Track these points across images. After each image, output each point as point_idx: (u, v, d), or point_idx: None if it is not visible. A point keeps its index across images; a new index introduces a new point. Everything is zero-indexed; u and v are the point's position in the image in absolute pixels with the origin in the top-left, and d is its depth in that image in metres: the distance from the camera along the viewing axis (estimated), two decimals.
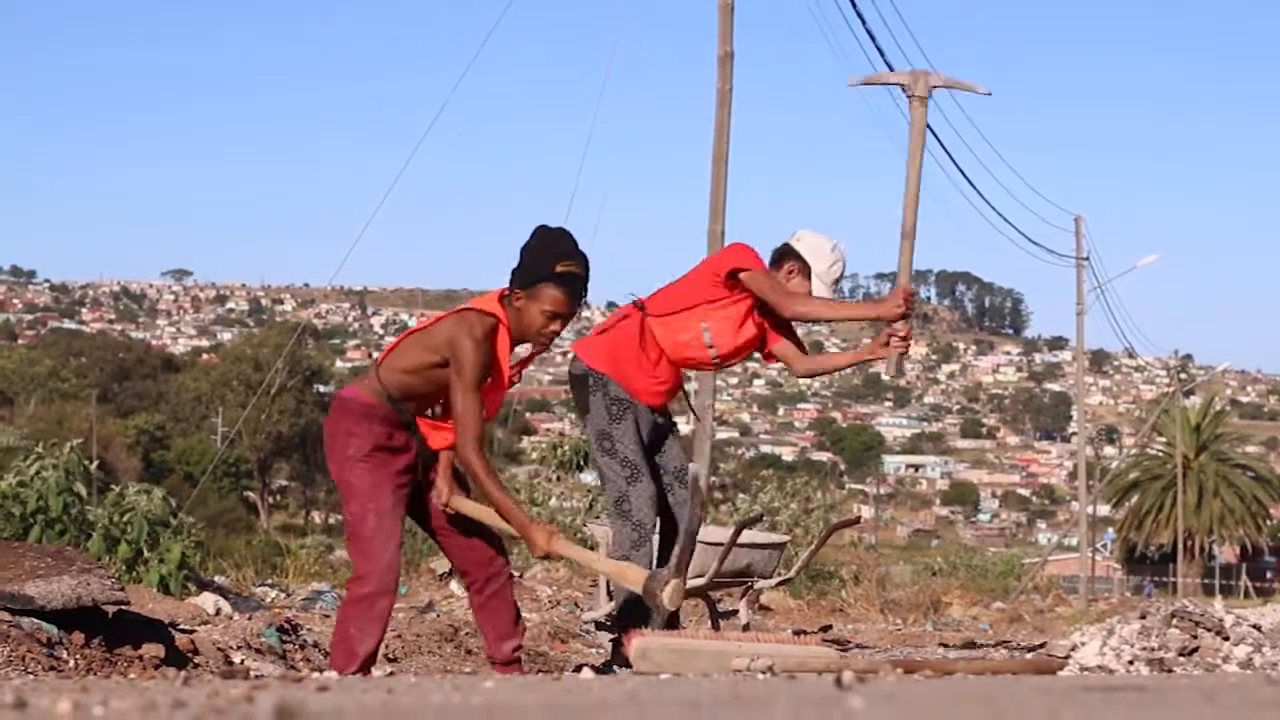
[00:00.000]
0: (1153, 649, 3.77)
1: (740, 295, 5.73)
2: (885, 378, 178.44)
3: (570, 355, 5.89)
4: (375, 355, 4.90)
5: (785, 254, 5.87)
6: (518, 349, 4.92)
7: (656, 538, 5.92)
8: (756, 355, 6.09)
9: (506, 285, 4.79)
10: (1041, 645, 5.01)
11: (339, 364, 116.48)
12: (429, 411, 4.89)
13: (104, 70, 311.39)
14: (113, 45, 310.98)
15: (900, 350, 5.68)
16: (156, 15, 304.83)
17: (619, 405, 5.66)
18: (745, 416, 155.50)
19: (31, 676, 5.05)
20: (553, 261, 4.69)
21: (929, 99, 5.74)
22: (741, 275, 5.64)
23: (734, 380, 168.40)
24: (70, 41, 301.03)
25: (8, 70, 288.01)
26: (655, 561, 5.73)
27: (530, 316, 4.70)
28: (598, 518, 15.16)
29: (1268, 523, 51.07)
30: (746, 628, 8.28)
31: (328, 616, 9.11)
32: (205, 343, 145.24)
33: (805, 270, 5.79)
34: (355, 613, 4.71)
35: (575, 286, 4.72)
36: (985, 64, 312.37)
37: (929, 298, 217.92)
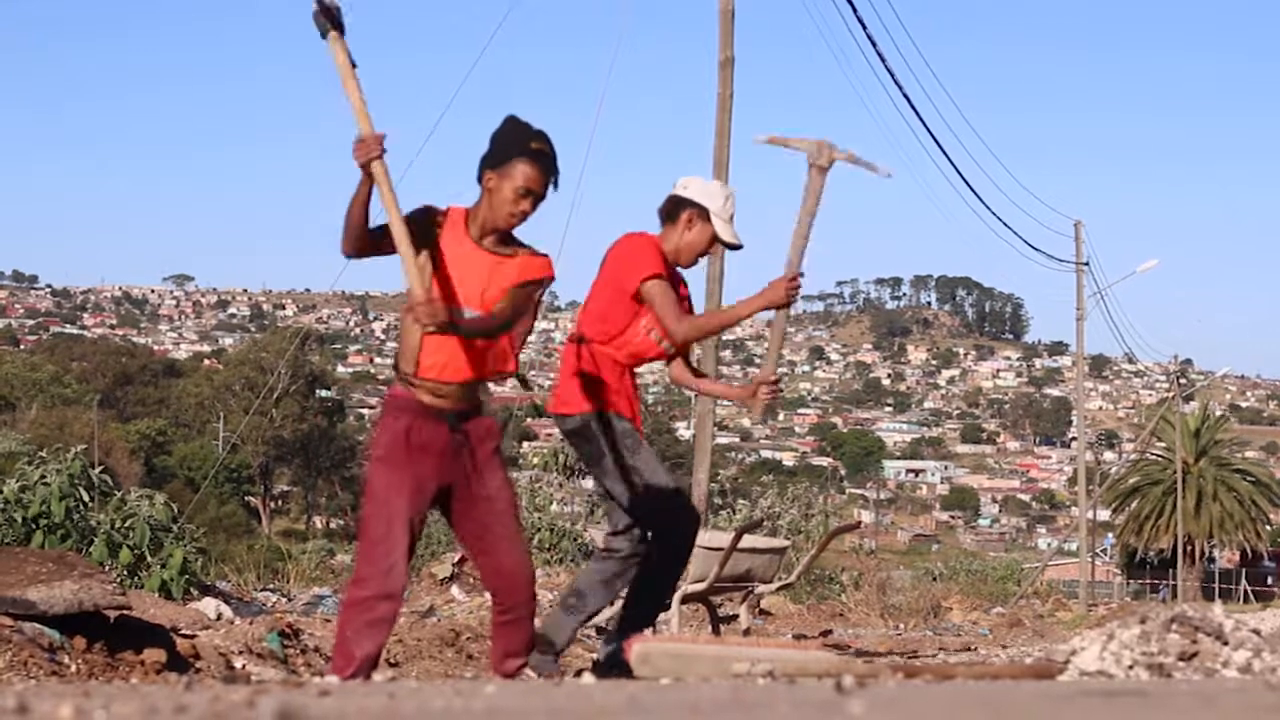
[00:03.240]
0: (1152, 654, 3.78)
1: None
2: (886, 382, 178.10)
3: (554, 417, 5.78)
4: (387, 370, 4.86)
5: (679, 204, 5.76)
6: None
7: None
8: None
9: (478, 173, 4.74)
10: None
11: (340, 369, 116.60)
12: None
13: (105, 74, 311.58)
14: (114, 50, 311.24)
15: (766, 400, 5.59)
16: (158, 19, 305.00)
17: (631, 438, 5.62)
18: (746, 421, 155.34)
19: (33, 681, 5.05)
20: (526, 140, 4.70)
21: (827, 170, 5.68)
22: (642, 289, 5.59)
23: (735, 381, 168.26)
24: (72, 45, 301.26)
25: (9, 74, 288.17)
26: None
27: (502, 194, 4.66)
28: (598, 523, 15.17)
29: (1267, 528, 50.99)
30: (747, 632, 8.29)
31: (329, 621, 9.11)
32: (207, 348, 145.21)
33: (704, 214, 5.74)
34: (351, 615, 4.66)
35: (547, 164, 4.69)
36: (985, 68, 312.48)
37: (930, 303, 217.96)
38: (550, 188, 4.73)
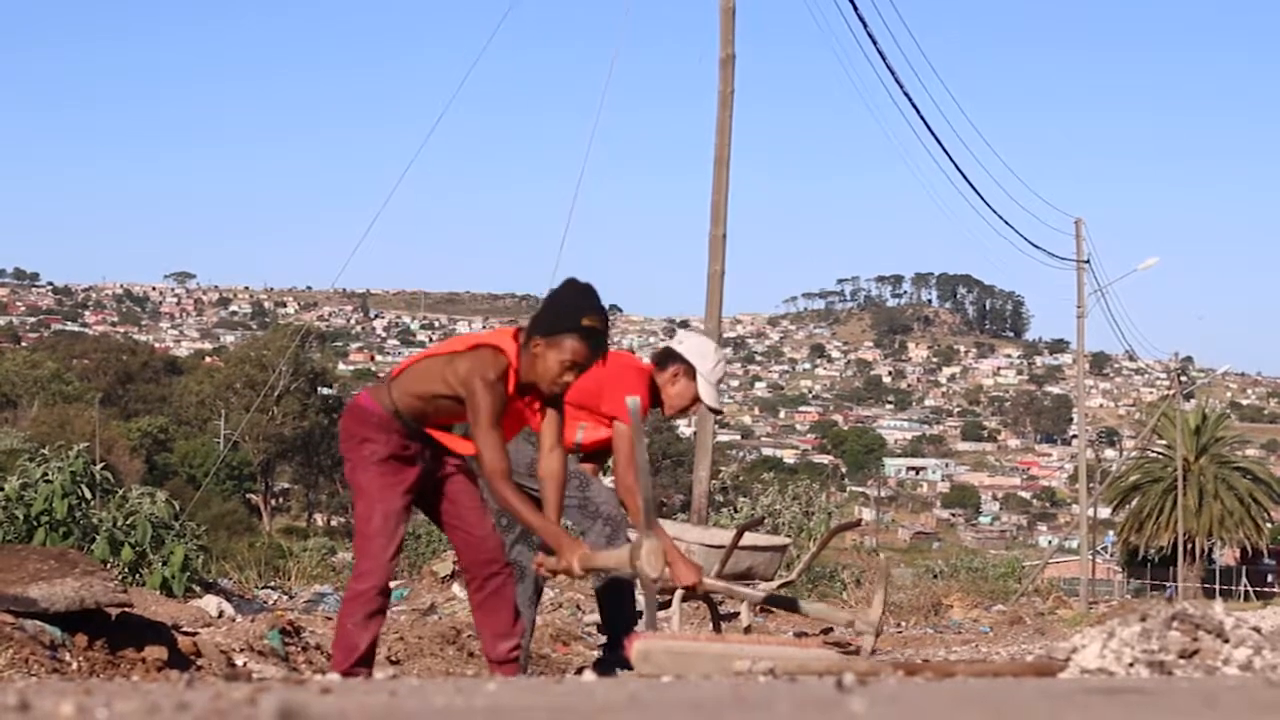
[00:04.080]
0: (1153, 651, 3.78)
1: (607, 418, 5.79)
2: (887, 379, 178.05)
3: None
4: (388, 368, 4.92)
5: (669, 357, 5.91)
6: None
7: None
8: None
9: (524, 329, 4.83)
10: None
11: (342, 366, 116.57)
12: (453, 428, 4.99)
13: (107, 72, 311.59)
14: (116, 47, 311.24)
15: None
16: (159, 16, 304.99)
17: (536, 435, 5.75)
18: (747, 419, 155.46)
19: (34, 679, 5.06)
20: (579, 314, 4.74)
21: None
22: (615, 424, 5.67)
23: (735, 383, 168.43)
24: (73, 43, 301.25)
25: (10, 72, 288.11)
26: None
27: (547, 364, 4.73)
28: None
29: (1268, 525, 50.98)
30: (748, 630, 8.29)
31: (330, 619, 9.13)
32: (208, 345, 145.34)
33: (690, 372, 5.83)
34: (353, 609, 4.81)
35: (597, 341, 4.75)
36: (986, 65, 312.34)
37: (931, 300, 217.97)
38: (596, 362, 4.82)
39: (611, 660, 5.51)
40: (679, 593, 7.70)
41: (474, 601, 5.07)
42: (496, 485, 4.67)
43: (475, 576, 5.03)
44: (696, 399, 5.86)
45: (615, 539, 5.64)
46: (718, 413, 5.96)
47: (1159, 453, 51.25)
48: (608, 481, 6.12)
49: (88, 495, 12.63)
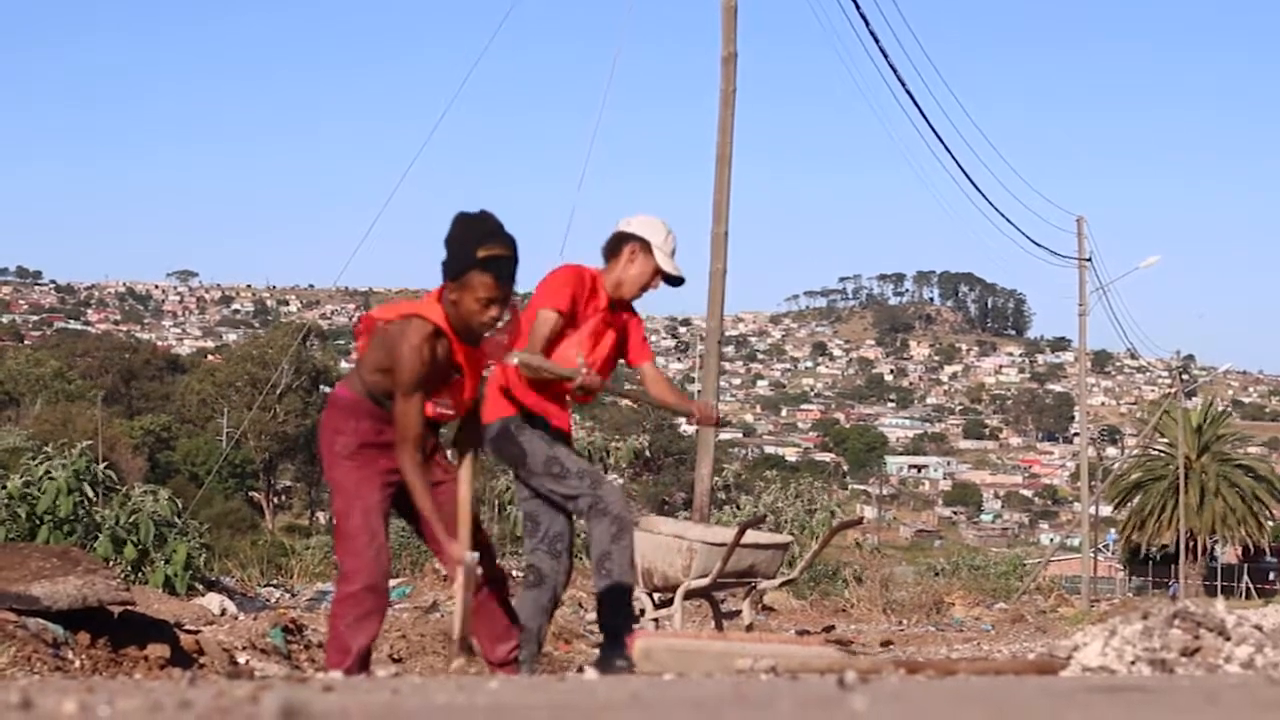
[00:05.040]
0: (1155, 649, 3.78)
1: (586, 315, 5.78)
2: (888, 377, 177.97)
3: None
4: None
5: (621, 239, 5.90)
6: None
7: None
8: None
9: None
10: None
11: (344, 365, 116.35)
12: (436, 402, 4.88)
13: (108, 70, 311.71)
14: (117, 45, 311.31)
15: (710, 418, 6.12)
16: (160, 14, 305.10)
17: (551, 433, 5.70)
18: (749, 417, 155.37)
19: (37, 676, 5.06)
20: (474, 247, 4.65)
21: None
22: (537, 315, 5.69)
23: (737, 381, 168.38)
24: (74, 41, 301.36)
25: (11, 70, 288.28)
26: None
27: (466, 307, 4.67)
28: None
29: (1269, 523, 50.94)
30: (750, 628, 8.29)
31: (329, 618, 9.12)
32: (211, 344, 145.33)
33: (645, 246, 5.83)
34: (343, 610, 4.73)
35: (501, 268, 4.66)
36: (988, 63, 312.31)
37: (933, 299, 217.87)
38: (512, 283, 4.74)
39: (611, 657, 5.50)
40: (680, 591, 7.70)
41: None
42: (402, 453, 4.59)
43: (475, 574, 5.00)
44: (657, 271, 5.85)
45: (620, 537, 5.62)
46: (678, 281, 5.93)
47: (1161, 451, 51.21)
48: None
49: (90, 493, 12.65)
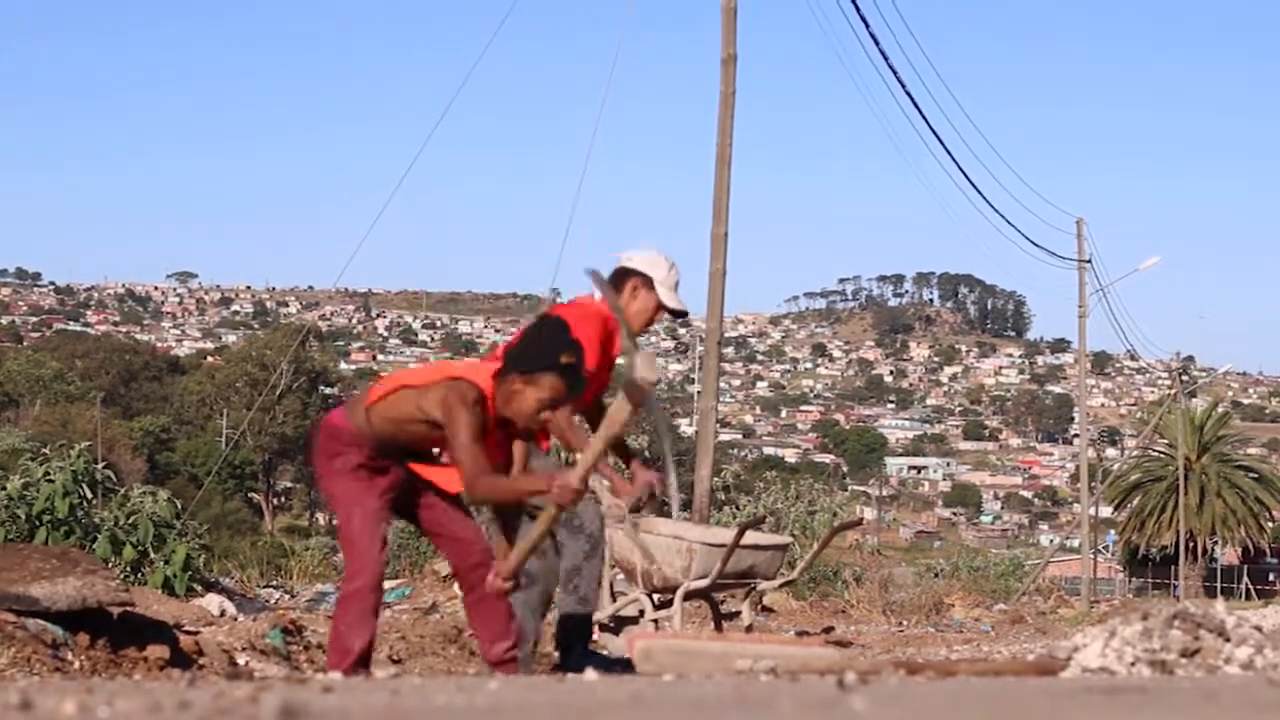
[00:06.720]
0: (1154, 650, 3.78)
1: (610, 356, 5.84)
2: (888, 378, 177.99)
3: None
4: (390, 368, 4.84)
5: (624, 274, 5.91)
6: None
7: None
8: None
9: (501, 365, 4.92)
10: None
11: (343, 366, 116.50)
12: (435, 454, 5.04)
13: (108, 70, 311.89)
14: (118, 45, 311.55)
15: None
16: (160, 14, 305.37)
17: (531, 445, 5.72)
18: (748, 418, 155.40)
19: (37, 678, 5.06)
20: (560, 352, 4.87)
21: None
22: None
23: (737, 382, 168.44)
24: (74, 41, 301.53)
25: (11, 71, 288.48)
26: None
27: (525, 401, 4.80)
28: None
29: (1269, 524, 50.94)
30: (749, 629, 8.29)
31: (332, 617, 9.12)
32: (210, 345, 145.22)
33: (648, 283, 5.86)
34: (346, 609, 4.88)
35: (574, 379, 4.85)
36: (987, 64, 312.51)
37: (932, 300, 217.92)
38: (574, 395, 4.90)
39: (577, 661, 5.60)
40: (680, 592, 7.71)
41: (468, 604, 5.12)
42: (477, 486, 4.72)
43: (466, 580, 5.09)
44: (660, 307, 5.88)
45: (592, 556, 5.72)
46: (681, 314, 5.95)
47: (1161, 452, 51.22)
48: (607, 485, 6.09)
49: (89, 494, 12.64)
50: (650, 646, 4.59)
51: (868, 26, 18.03)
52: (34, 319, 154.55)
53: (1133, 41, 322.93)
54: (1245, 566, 52.40)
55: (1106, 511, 55.96)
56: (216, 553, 17.18)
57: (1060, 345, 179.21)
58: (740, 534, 7.66)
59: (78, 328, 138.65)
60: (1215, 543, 51.05)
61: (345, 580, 4.93)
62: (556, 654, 6.04)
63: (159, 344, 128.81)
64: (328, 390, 71.33)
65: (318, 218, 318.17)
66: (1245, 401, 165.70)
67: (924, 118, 31.13)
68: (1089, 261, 33.24)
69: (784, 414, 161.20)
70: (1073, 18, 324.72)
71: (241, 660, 6.70)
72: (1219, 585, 48.94)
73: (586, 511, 5.73)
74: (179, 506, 13.53)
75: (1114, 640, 3.83)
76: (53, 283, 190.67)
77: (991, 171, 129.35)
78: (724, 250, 14.73)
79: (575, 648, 5.76)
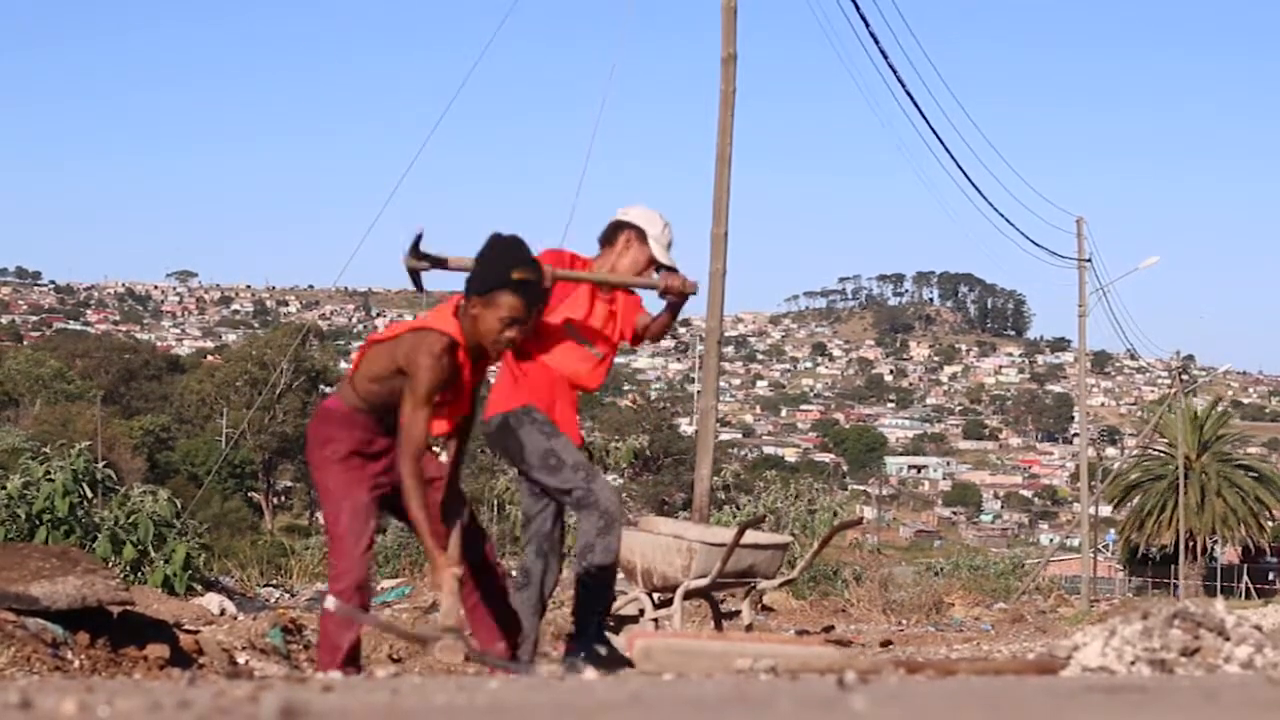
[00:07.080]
0: (1154, 649, 3.78)
1: (568, 290, 5.77)
2: (888, 378, 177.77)
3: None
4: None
5: (618, 227, 5.91)
6: None
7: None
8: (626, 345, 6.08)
9: (462, 294, 4.82)
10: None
11: (343, 365, 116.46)
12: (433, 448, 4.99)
13: (108, 70, 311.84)
14: (118, 46, 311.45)
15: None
16: (160, 14, 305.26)
17: (550, 424, 5.66)
18: (748, 418, 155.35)
19: (37, 677, 5.06)
20: (509, 268, 4.73)
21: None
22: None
23: (737, 381, 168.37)
24: (74, 41, 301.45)
25: (11, 71, 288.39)
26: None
27: (487, 324, 4.73)
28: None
29: (1269, 524, 50.91)
30: (749, 628, 8.29)
31: (320, 618, 9.12)
32: (210, 344, 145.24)
33: (641, 235, 5.84)
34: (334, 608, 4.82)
35: (530, 293, 4.76)
36: (987, 64, 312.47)
37: (932, 299, 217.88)
38: (536, 311, 4.84)
39: (576, 650, 5.52)
40: (680, 591, 7.70)
41: (466, 604, 5.05)
42: (404, 459, 4.63)
43: (466, 581, 5.01)
44: (651, 261, 5.84)
45: (606, 533, 5.60)
46: (670, 269, 5.91)
47: (1161, 451, 51.21)
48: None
49: (89, 494, 12.64)
50: (650, 646, 4.59)
51: (868, 26, 18.00)
52: (34, 318, 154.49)
53: (1133, 41, 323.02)
54: (1245, 566, 52.37)
55: (1106, 511, 55.98)
56: (216, 552, 17.19)
57: (1060, 344, 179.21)
58: (740, 533, 7.66)
59: (78, 327, 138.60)
60: (1215, 542, 51.03)
61: (331, 580, 4.87)
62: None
63: (159, 343, 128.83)
64: (328, 390, 71.34)
65: (318, 218, 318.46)
66: (1245, 401, 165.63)
67: (924, 117, 31.19)
68: (1089, 261, 33.24)
69: (784, 413, 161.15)
70: (1073, 18, 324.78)
71: (241, 659, 6.70)
72: (1219, 584, 48.92)
73: (601, 489, 5.66)
74: (179, 506, 13.53)
75: (1114, 639, 3.83)
76: (53, 282, 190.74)
77: (992, 171, 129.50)
78: (724, 250, 14.71)
79: (589, 627, 5.65)
